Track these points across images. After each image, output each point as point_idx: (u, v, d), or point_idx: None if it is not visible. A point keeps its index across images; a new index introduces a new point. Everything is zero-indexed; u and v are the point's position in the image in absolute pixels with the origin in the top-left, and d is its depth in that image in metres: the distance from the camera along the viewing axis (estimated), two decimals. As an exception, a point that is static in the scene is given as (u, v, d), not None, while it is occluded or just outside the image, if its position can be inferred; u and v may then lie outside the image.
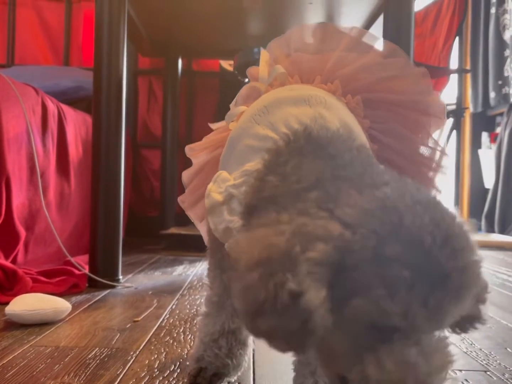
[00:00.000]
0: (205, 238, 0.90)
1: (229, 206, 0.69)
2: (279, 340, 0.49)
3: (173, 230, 2.78)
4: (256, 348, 1.03)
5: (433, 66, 2.53)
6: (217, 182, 0.72)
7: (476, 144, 4.12)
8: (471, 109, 4.07)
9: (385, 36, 1.76)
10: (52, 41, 3.25)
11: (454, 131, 3.47)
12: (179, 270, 2.02)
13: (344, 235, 0.48)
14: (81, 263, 1.65)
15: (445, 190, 0.91)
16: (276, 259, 0.48)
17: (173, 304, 1.42)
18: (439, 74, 2.47)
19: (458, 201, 4.01)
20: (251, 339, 0.89)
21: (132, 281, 1.74)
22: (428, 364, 0.48)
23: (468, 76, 3.78)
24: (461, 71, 2.26)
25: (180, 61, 3.11)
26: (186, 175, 1.03)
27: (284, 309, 0.47)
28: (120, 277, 1.69)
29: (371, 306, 0.47)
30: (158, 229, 2.82)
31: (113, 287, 1.62)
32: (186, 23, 2.66)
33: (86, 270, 1.63)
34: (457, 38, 2.41)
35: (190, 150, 1.04)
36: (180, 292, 1.59)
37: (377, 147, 0.84)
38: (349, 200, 0.51)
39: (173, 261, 2.24)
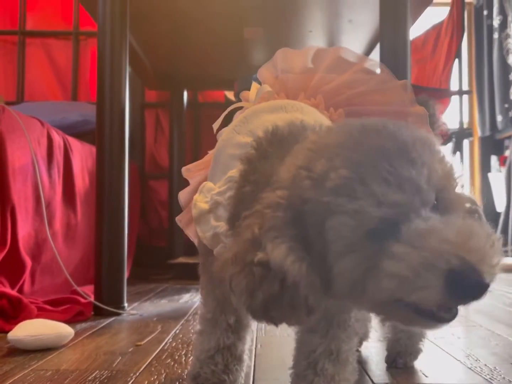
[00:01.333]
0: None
1: (215, 214, 0.70)
2: (276, 309, 0.52)
3: (181, 259, 2.79)
4: (256, 365, 1.03)
5: (434, 88, 2.55)
6: (202, 193, 0.73)
7: (485, 167, 4.11)
8: (479, 133, 4.08)
9: (382, 63, 1.78)
10: (61, 77, 3.33)
11: (459, 153, 3.49)
12: (185, 297, 2.02)
13: (280, 195, 0.54)
14: (87, 292, 1.65)
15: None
16: (244, 248, 0.53)
17: (177, 329, 1.42)
18: (440, 95, 2.50)
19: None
20: (247, 355, 0.88)
21: (138, 309, 1.74)
22: (449, 232, 0.47)
23: (475, 100, 3.80)
24: (461, 92, 2.29)
25: (185, 94, 3.16)
26: (182, 195, 1.04)
27: (263, 280, 0.51)
28: (126, 304, 1.69)
29: (343, 216, 0.49)
30: (166, 259, 2.83)
31: (118, 314, 1.62)
32: (189, 55, 2.72)
33: (91, 298, 1.63)
34: (456, 61, 2.43)
35: (186, 171, 1.05)
36: (185, 318, 1.59)
37: None
38: (284, 167, 0.57)
39: (180, 290, 2.24)
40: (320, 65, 0.95)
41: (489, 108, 3.96)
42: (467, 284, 0.47)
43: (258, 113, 0.79)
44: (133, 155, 3.09)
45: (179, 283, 2.46)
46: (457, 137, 2.35)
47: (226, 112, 1.02)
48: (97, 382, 0.95)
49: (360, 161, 0.50)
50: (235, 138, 0.76)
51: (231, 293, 0.54)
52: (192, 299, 1.98)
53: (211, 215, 0.71)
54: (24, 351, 1.17)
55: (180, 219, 1.04)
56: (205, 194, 0.73)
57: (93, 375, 1.00)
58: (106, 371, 1.02)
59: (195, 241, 1.01)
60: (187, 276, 2.58)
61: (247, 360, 0.90)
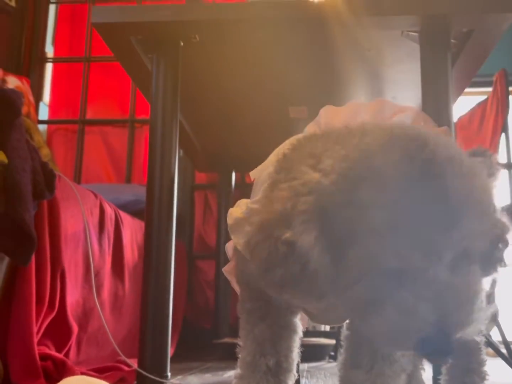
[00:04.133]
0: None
1: (250, 221, 0.70)
2: (290, 287, 0.55)
3: (227, 339, 2.74)
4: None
5: (481, 162, 2.53)
6: (239, 206, 0.75)
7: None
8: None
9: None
10: (116, 162, 3.49)
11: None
12: (230, 373, 1.96)
13: (321, 182, 0.54)
14: (131, 362, 1.63)
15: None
16: (274, 220, 0.56)
17: (220, 396, 1.38)
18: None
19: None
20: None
21: (182, 380, 1.70)
22: (439, 304, 0.50)
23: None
24: (510, 166, 2.27)
25: (233, 175, 3.25)
26: (230, 246, 1.05)
27: (285, 258, 0.53)
28: (169, 374, 1.66)
29: (365, 252, 0.51)
30: (212, 340, 2.78)
31: (161, 383, 1.59)
32: (237, 136, 2.82)
33: (135, 366, 1.61)
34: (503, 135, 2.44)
35: None
36: (229, 387, 1.54)
37: None
38: (331, 153, 0.57)
39: (225, 367, 2.18)
40: (363, 116, 0.97)
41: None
42: (433, 348, 0.52)
43: None
44: (181, 235, 3.14)
45: (225, 362, 2.40)
46: (510, 212, 2.29)
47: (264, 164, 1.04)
48: (136, 434, 0.93)
49: (396, 207, 0.51)
50: (270, 169, 0.78)
51: (251, 257, 0.58)
52: (237, 374, 1.91)
53: (245, 222, 0.72)
54: (65, 408, 1.16)
55: (225, 269, 1.05)
56: (241, 207, 0.74)
57: (132, 428, 0.97)
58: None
59: (235, 287, 1.00)
60: (232, 357, 2.51)
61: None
